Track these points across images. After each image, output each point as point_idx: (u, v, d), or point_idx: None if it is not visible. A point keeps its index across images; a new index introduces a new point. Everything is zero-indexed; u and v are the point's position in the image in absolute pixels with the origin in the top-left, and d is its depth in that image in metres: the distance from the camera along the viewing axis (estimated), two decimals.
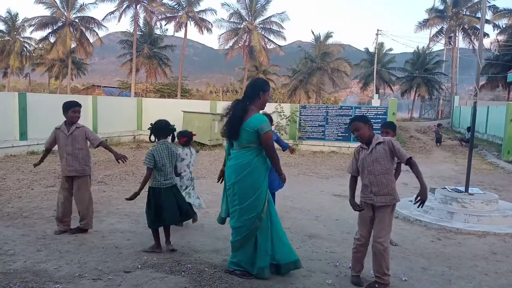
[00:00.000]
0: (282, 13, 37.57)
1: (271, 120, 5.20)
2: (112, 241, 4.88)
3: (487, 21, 32.79)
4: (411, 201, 7.02)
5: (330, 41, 42.86)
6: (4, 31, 45.78)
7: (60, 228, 5.13)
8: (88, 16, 38.78)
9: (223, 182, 4.19)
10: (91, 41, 39.33)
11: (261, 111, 4.14)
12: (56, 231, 5.11)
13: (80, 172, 5.09)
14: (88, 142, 5.14)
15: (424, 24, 38.54)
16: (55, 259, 4.26)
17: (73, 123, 5.06)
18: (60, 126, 5.09)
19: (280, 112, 16.01)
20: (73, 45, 39.19)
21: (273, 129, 4.79)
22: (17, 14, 46.00)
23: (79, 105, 5.09)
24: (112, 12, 36.45)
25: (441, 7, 37.95)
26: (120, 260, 4.30)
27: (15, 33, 45.46)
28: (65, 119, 5.09)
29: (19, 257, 4.28)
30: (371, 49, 43.59)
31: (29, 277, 3.80)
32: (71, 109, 4.99)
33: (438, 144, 18.96)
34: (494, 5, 33.63)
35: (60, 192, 5.16)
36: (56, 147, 5.22)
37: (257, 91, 4.01)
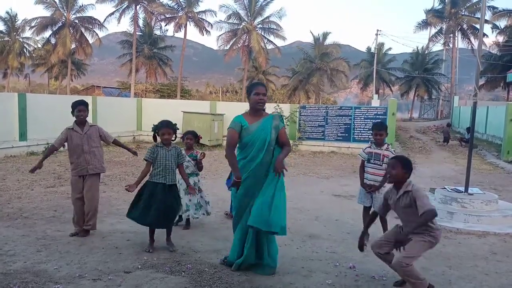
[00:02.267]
0: (280, 10, 37.54)
1: None
2: (112, 242, 4.88)
3: (486, 21, 32.82)
4: None
5: (329, 41, 42.94)
6: (4, 31, 45.79)
7: (75, 230, 5.11)
8: (88, 17, 38.81)
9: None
10: (90, 41, 39.36)
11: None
12: (72, 233, 5.08)
13: (100, 170, 5.21)
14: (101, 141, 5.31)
15: (423, 25, 38.56)
16: (55, 260, 4.25)
17: (81, 122, 5.14)
18: (72, 126, 5.14)
19: (280, 112, 16.01)
20: (73, 46, 39.21)
21: None
22: (16, 14, 46.07)
23: (84, 104, 5.17)
24: (112, 13, 36.48)
25: (440, 7, 37.98)
26: (120, 260, 4.30)
27: (14, 33, 45.48)
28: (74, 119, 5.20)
29: (19, 258, 4.28)
30: (372, 49, 43.63)
31: (29, 278, 3.80)
32: (77, 107, 5.10)
33: (446, 143, 19.05)
34: (492, 5, 33.68)
35: (74, 194, 5.12)
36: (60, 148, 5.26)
37: (247, 95, 4.26)
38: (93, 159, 5.11)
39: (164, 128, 4.58)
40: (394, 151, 5.14)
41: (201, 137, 5.80)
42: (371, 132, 5.31)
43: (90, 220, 5.09)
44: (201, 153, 5.56)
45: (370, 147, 5.22)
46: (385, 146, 5.14)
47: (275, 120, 4.13)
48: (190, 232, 5.39)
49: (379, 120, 12.61)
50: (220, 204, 6.79)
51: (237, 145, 4.12)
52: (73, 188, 5.14)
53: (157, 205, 4.47)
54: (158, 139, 4.68)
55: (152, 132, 4.72)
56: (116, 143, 5.46)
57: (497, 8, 33.76)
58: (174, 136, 4.68)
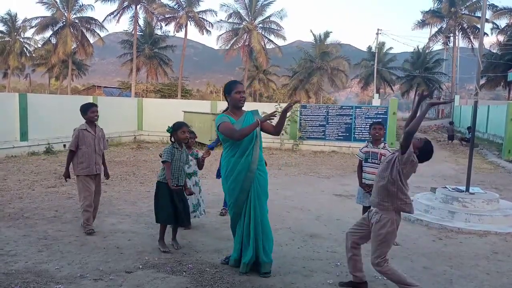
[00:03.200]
0: (280, 10, 37.62)
1: None
2: (113, 242, 4.88)
3: (487, 20, 32.76)
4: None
5: (329, 40, 42.96)
6: (4, 31, 45.82)
7: (92, 227, 5.19)
8: (88, 17, 38.84)
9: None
10: (91, 41, 39.41)
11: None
12: (89, 230, 5.13)
13: (101, 170, 5.41)
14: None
15: (422, 23, 38.43)
16: (56, 260, 4.26)
17: (93, 123, 5.28)
18: (84, 127, 5.24)
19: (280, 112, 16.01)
20: (73, 46, 39.25)
21: None
22: (16, 14, 46.10)
23: (96, 106, 5.36)
24: (112, 13, 36.49)
25: (437, 7, 37.87)
26: (122, 260, 4.30)
27: (15, 33, 45.51)
28: (80, 121, 5.29)
29: (21, 258, 4.29)
30: (373, 48, 43.60)
31: (31, 278, 3.80)
32: (90, 109, 5.23)
33: (451, 141, 19.13)
34: (493, 4, 33.59)
35: (89, 192, 5.19)
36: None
37: (224, 95, 4.20)
38: (99, 160, 5.33)
39: (184, 126, 4.69)
40: (390, 149, 5.13)
41: (196, 137, 5.84)
42: (369, 131, 5.30)
43: (95, 216, 5.42)
44: (207, 151, 5.56)
45: (367, 146, 5.21)
46: (382, 144, 5.15)
47: (255, 115, 4.11)
48: (191, 232, 5.39)
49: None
50: (222, 204, 6.79)
51: (226, 142, 4.07)
52: (86, 188, 5.19)
53: (178, 204, 4.58)
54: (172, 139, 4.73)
55: (169, 134, 4.74)
56: (103, 156, 5.52)
57: (497, 6, 33.67)
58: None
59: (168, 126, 4.74)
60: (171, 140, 4.74)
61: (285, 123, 4.05)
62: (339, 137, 15.66)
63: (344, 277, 4.02)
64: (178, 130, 4.63)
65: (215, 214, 6.20)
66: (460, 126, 26.92)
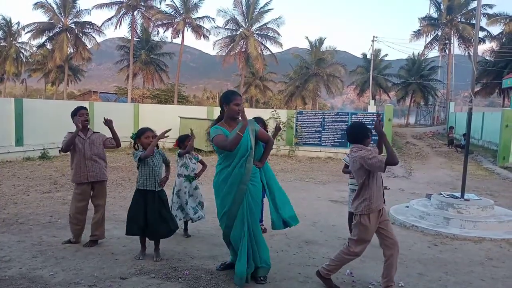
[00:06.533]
0: (278, 18, 37.82)
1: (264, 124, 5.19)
2: (108, 248, 4.86)
3: (482, 28, 33.04)
4: (407, 206, 7.06)
5: (325, 47, 43.15)
6: (0, 36, 45.73)
7: (76, 239, 4.96)
8: (85, 22, 38.88)
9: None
10: (88, 46, 39.42)
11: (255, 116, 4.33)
12: (65, 241, 4.97)
13: (101, 177, 5.02)
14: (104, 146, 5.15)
15: (418, 34, 38.66)
16: (51, 266, 4.23)
17: (84, 127, 4.93)
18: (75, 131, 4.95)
19: (277, 118, 16.06)
20: (70, 51, 39.24)
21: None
22: (11, 19, 46.07)
23: (84, 108, 5.04)
24: (110, 19, 36.54)
25: (436, 15, 38.19)
26: (116, 266, 4.28)
27: (11, 38, 45.41)
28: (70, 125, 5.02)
29: (15, 264, 4.26)
30: (368, 55, 43.86)
31: (25, 284, 3.77)
32: (78, 112, 4.95)
33: (451, 146, 19.26)
34: (487, 13, 33.88)
35: (77, 201, 4.93)
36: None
37: (221, 104, 4.08)
38: (94, 166, 4.94)
39: (148, 131, 4.60)
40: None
41: (194, 137, 5.78)
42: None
43: (98, 230, 4.95)
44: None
45: None
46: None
47: (250, 125, 4.04)
48: (187, 238, 5.38)
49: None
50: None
51: (221, 153, 4.06)
52: (75, 196, 4.94)
53: (151, 216, 4.44)
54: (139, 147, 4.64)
55: (133, 140, 4.67)
56: (114, 138, 5.13)
57: (491, 15, 33.96)
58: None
59: (132, 133, 4.69)
60: (135, 148, 4.65)
61: (282, 129, 4.09)
62: (335, 143, 15.71)
63: (340, 284, 4.02)
64: (142, 135, 4.55)
65: (211, 220, 6.19)
66: (455, 133, 27.06)
